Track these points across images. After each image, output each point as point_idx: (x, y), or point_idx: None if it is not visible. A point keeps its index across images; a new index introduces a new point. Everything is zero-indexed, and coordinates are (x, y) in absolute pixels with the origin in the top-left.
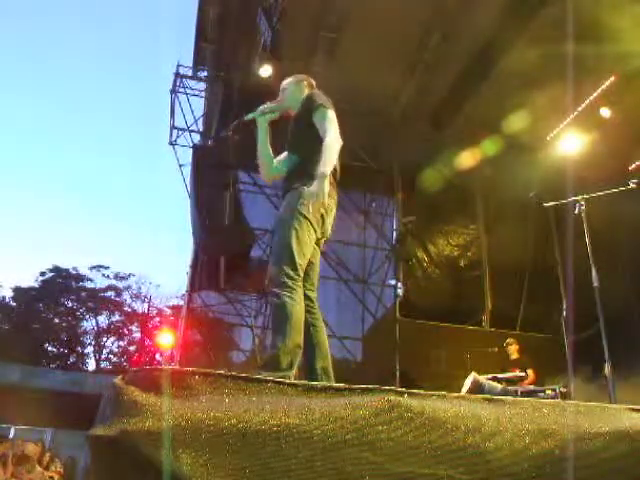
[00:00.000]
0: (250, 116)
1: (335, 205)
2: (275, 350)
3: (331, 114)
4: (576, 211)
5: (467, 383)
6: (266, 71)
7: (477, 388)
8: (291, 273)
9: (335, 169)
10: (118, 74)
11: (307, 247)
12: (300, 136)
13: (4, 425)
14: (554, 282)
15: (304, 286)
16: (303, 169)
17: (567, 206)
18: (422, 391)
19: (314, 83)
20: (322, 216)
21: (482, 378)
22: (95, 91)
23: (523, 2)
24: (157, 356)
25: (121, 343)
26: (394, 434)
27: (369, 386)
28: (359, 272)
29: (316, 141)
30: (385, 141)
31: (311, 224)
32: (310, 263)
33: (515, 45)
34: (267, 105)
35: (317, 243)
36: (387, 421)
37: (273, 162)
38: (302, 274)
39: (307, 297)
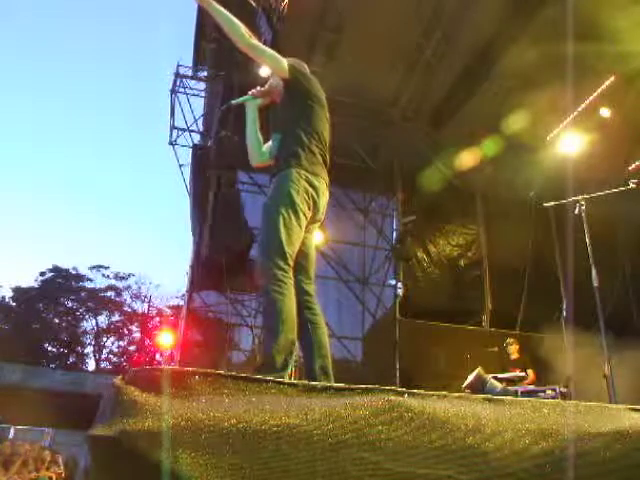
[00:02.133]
0: (240, 100)
1: (327, 188)
2: (268, 350)
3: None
4: (576, 211)
5: (471, 376)
6: (266, 71)
7: (479, 381)
8: (280, 263)
9: (325, 154)
10: (118, 74)
11: (296, 234)
12: (281, 113)
13: (4, 425)
14: (554, 282)
15: (300, 279)
16: (284, 145)
17: (567, 206)
18: (422, 391)
19: (305, 66)
20: (312, 198)
21: (487, 375)
22: (95, 91)
23: (523, 2)
24: (157, 356)
25: (121, 343)
26: (394, 434)
27: (369, 386)
28: (359, 272)
29: (295, 114)
30: (385, 141)
31: (300, 208)
32: (303, 253)
33: (515, 45)
34: (256, 89)
35: (308, 230)
36: (387, 421)
37: (261, 147)
38: (292, 263)
39: (304, 291)
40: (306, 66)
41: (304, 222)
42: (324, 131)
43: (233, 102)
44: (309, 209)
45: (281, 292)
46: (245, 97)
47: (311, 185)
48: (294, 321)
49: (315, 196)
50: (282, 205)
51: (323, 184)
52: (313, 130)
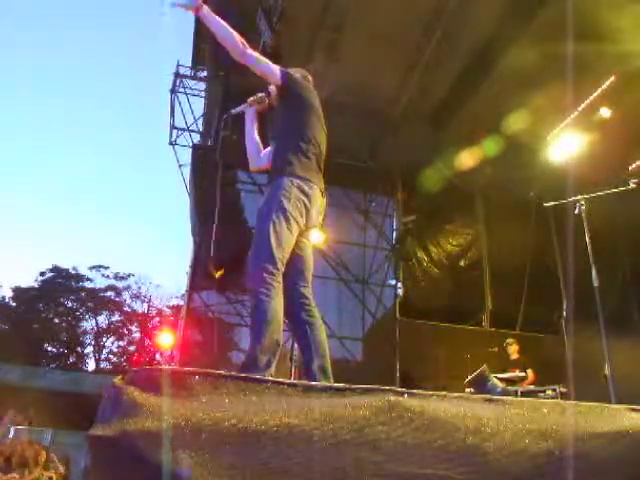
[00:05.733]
0: (238, 109)
1: (321, 193)
2: (252, 350)
3: (265, 60)
4: (576, 211)
5: (475, 372)
6: None
7: (481, 379)
8: (269, 267)
9: (320, 160)
10: (118, 74)
11: (287, 240)
12: (277, 119)
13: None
14: (554, 282)
15: (297, 283)
16: (279, 151)
17: (567, 206)
18: (422, 391)
19: (310, 77)
20: (305, 205)
21: (490, 375)
22: (95, 91)
23: (523, 2)
24: (157, 356)
25: (121, 343)
26: (394, 434)
27: (369, 386)
28: (359, 272)
29: (290, 120)
30: (385, 141)
31: (291, 215)
32: (299, 257)
33: (515, 45)
34: (253, 97)
35: (304, 235)
36: (387, 421)
37: (260, 152)
38: (281, 267)
39: (301, 294)
40: (310, 77)
41: (295, 228)
42: (319, 136)
43: (232, 112)
44: (301, 216)
45: (268, 294)
46: (243, 105)
47: (303, 192)
48: (280, 322)
49: (307, 203)
50: (273, 211)
51: (317, 190)
52: (308, 136)
